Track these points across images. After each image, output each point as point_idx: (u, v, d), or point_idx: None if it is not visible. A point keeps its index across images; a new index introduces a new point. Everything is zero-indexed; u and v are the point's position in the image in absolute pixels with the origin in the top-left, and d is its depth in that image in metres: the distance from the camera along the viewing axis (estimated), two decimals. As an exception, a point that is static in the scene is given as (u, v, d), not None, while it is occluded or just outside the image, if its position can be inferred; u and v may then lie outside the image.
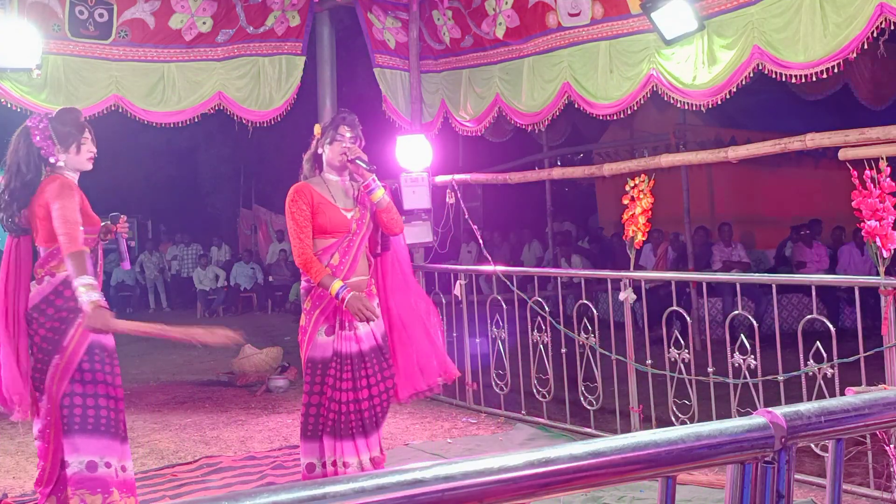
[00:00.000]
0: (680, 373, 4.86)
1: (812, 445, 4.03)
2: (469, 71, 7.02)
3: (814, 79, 4.80)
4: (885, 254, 3.88)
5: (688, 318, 5.27)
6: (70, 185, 3.49)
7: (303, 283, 3.87)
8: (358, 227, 3.79)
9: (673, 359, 4.87)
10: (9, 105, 5.98)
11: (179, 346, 10.39)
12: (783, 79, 4.97)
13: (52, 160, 3.53)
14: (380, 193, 3.85)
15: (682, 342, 4.86)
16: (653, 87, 5.55)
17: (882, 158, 3.93)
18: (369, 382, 3.74)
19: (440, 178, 6.94)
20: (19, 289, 3.51)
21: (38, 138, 3.51)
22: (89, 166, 3.64)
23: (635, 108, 5.82)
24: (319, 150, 3.88)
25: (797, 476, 3.97)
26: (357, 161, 3.81)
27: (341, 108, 4.06)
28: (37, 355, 3.44)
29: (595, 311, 5.43)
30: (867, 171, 3.90)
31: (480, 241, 7.12)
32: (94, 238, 3.61)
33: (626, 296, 5.16)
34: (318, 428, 3.76)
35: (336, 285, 3.64)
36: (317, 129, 3.92)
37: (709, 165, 8.49)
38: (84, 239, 3.44)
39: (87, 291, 3.30)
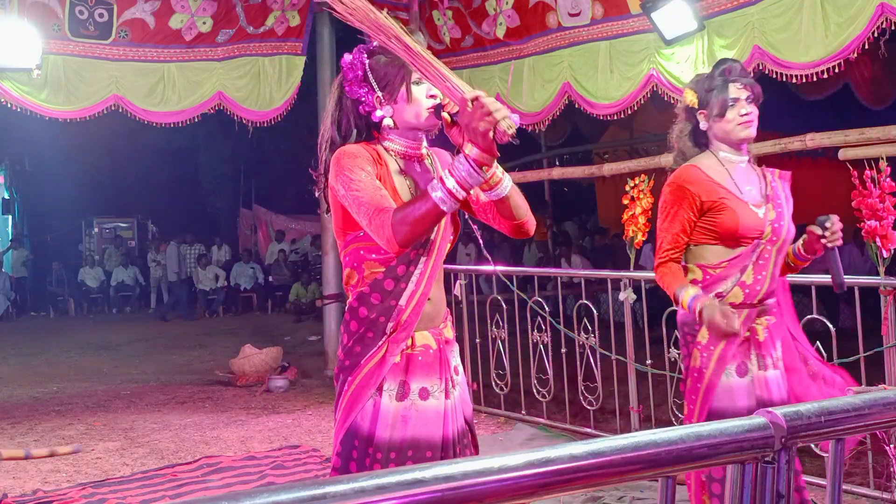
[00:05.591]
0: (680, 373, 4.86)
1: (812, 445, 4.02)
2: (469, 71, 7.02)
3: (814, 79, 4.81)
4: (885, 254, 3.87)
5: (688, 318, 5.25)
6: None
7: (682, 310, 2.72)
8: (774, 233, 2.71)
9: (673, 359, 4.87)
10: (9, 105, 5.98)
11: (179, 346, 10.39)
12: (783, 79, 4.97)
13: None
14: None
15: (683, 342, 4.85)
16: (653, 87, 5.56)
17: (882, 158, 3.93)
18: None
19: (440, 178, 6.94)
20: None
21: None
22: None
23: (635, 108, 5.83)
24: (703, 125, 2.75)
25: (797, 476, 3.96)
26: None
27: (724, 62, 2.76)
28: None
29: (595, 311, 5.43)
30: (867, 171, 3.90)
31: (481, 242, 7.12)
32: None
33: (626, 296, 5.15)
34: None
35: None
36: (690, 95, 2.77)
37: (709, 165, 8.48)
38: None
39: None
